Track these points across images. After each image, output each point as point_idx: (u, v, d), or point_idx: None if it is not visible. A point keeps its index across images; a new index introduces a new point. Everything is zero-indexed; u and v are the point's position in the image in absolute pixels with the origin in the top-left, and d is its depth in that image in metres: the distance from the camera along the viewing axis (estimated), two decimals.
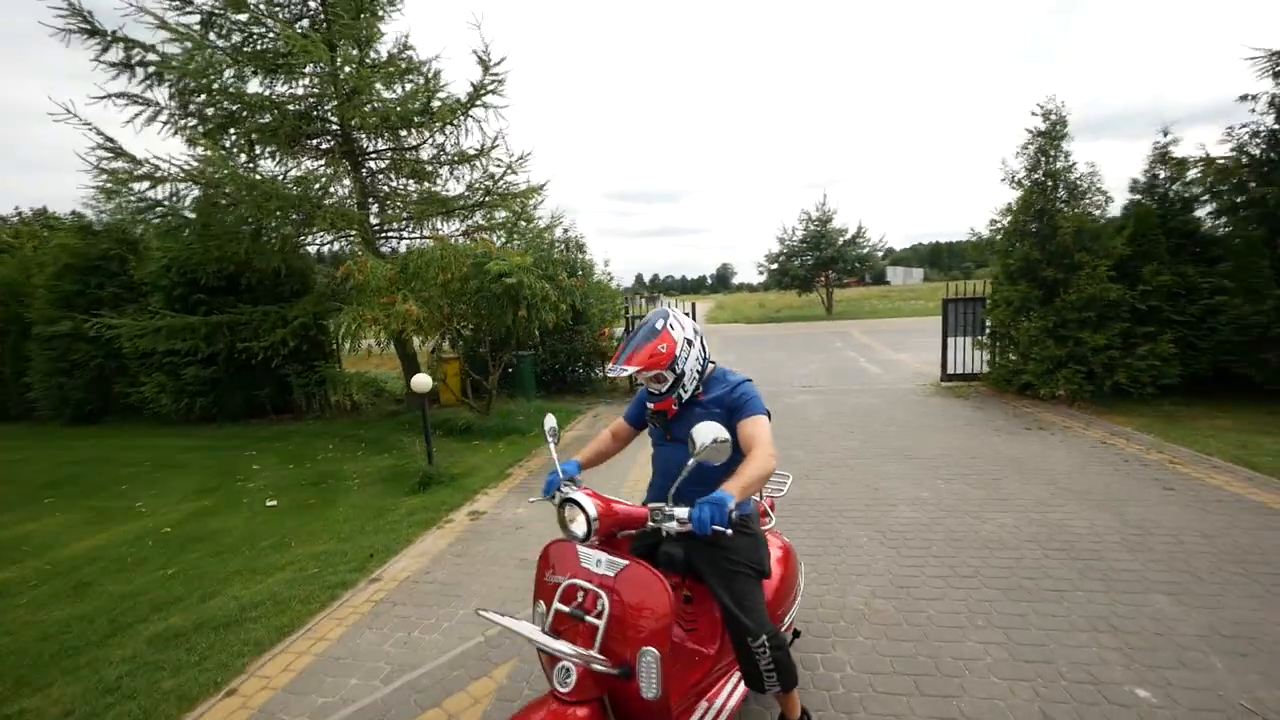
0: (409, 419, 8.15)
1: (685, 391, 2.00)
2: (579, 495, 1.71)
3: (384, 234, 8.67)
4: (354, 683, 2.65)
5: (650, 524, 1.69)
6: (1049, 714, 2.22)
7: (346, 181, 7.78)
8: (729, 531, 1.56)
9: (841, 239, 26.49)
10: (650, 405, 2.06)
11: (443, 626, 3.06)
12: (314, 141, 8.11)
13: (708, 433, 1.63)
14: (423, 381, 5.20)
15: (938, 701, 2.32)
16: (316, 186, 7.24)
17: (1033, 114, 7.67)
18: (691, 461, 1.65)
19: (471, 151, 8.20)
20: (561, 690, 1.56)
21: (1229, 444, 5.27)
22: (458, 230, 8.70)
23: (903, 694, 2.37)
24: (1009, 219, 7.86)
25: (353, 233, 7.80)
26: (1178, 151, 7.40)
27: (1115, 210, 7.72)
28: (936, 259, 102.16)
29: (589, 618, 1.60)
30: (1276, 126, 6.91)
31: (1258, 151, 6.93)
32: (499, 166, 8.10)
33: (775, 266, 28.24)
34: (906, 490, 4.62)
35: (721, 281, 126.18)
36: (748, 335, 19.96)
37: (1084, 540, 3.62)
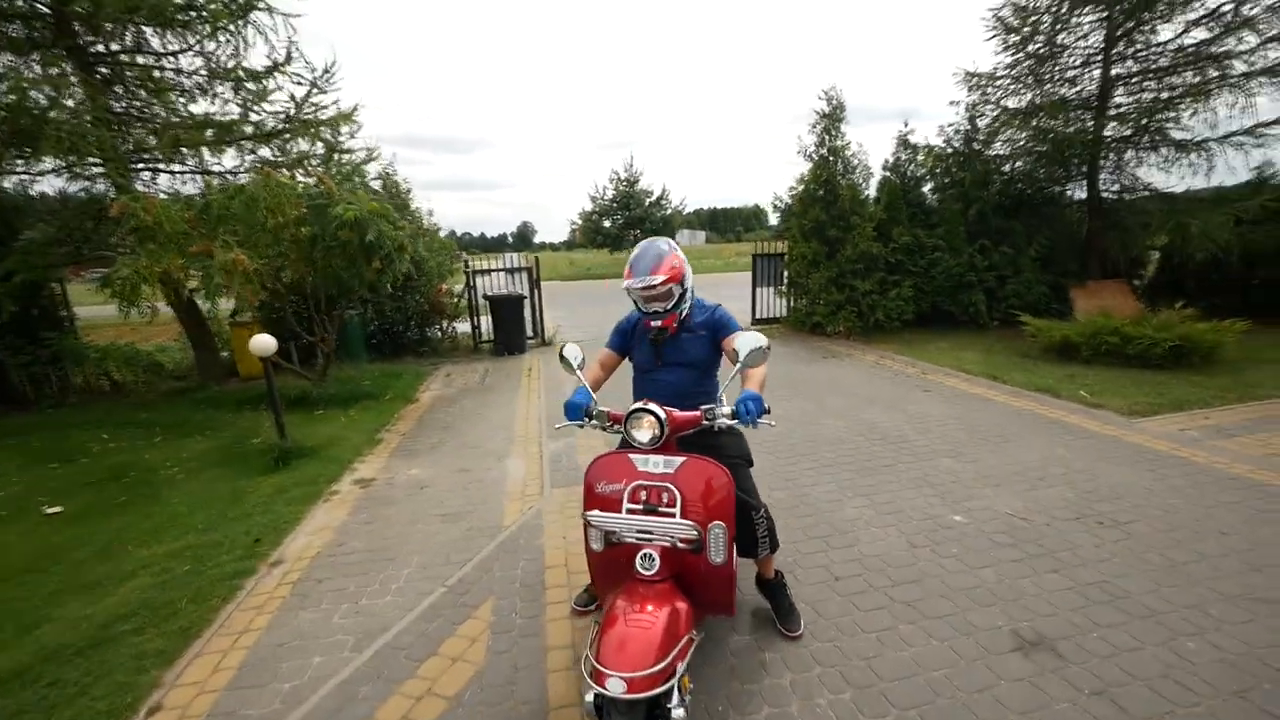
0: (208, 396, 6.73)
1: (685, 309, 2.26)
2: (652, 405, 1.90)
3: (141, 164, 6.77)
4: (318, 660, 2.44)
5: (705, 422, 1.97)
6: (913, 542, 3.13)
7: (79, 92, 5.83)
8: (772, 422, 1.93)
9: (648, 199, 28.10)
10: (654, 324, 2.24)
11: (392, 588, 2.92)
12: (8, 27, 5.87)
13: (749, 342, 1.96)
14: (265, 343, 4.44)
15: (845, 550, 3.09)
16: (35, 95, 5.32)
17: (819, 98, 9.22)
18: (737, 368, 1.97)
19: (257, 69, 6.77)
20: (646, 573, 1.80)
21: (949, 358, 7.38)
22: (242, 165, 7.20)
23: (820, 551, 3.08)
24: (803, 187, 9.42)
25: (96, 161, 5.94)
26: (914, 140, 9.63)
27: (874, 184, 9.80)
28: (714, 223, 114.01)
29: (662, 508, 1.85)
30: (968, 126, 9.47)
31: (959, 145, 9.44)
32: (300, 84, 6.85)
33: (585, 224, 28.81)
34: None
35: (523, 240, 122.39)
36: (572, 291, 20.22)
37: (890, 430, 4.88)
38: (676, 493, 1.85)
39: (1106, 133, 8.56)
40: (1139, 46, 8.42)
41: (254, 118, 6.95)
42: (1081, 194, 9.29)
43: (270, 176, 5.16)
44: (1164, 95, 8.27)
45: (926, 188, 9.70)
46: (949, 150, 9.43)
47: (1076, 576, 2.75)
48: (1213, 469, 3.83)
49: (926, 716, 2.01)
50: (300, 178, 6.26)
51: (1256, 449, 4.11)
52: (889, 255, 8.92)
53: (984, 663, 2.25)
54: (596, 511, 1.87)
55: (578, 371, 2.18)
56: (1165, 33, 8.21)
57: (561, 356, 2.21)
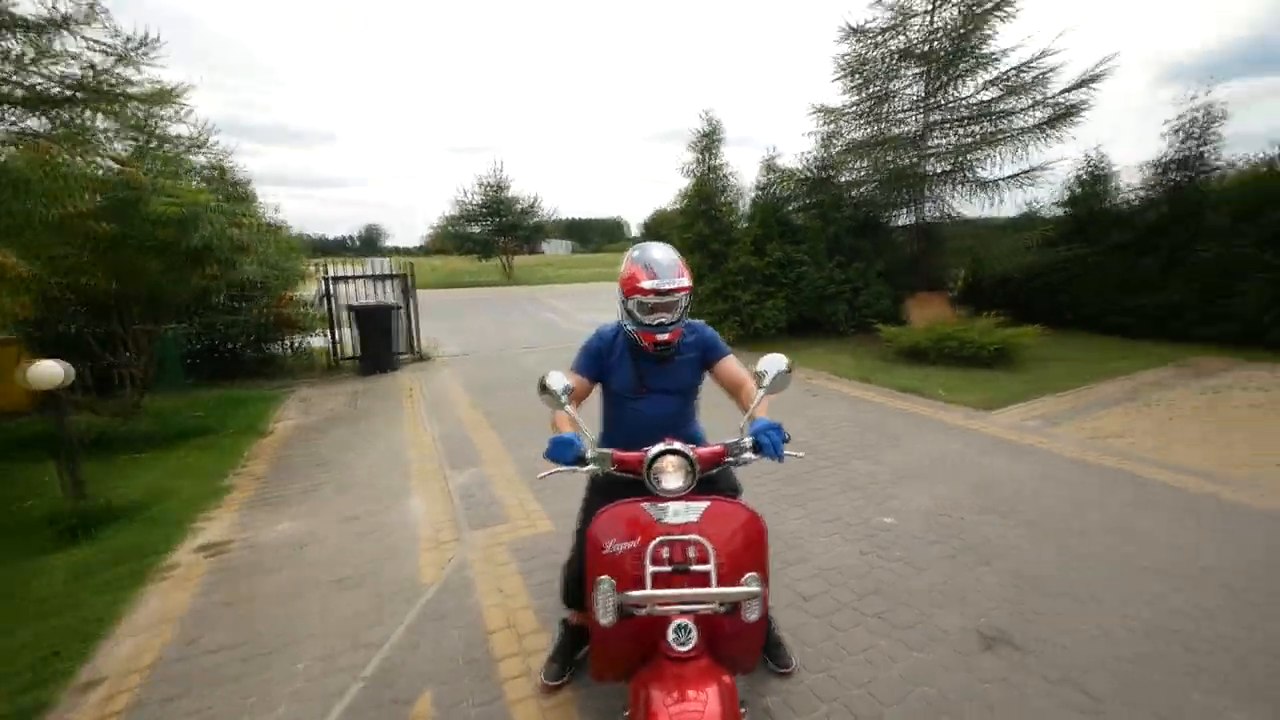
0: None
1: (684, 320, 1.99)
2: (677, 444, 1.62)
3: None
4: None
5: (728, 459, 1.74)
6: (860, 549, 3.20)
7: None
8: (801, 453, 1.77)
9: (518, 206, 27.18)
10: (661, 338, 1.91)
11: (284, 695, 2.24)
12: None
13: (776, 364, 1.77)
14: (49, 372, 3.30)
15: (802, 565, 3.05)
16: None
17: (699, 117, 9.56)
18: (761, 395, 1.77)
19: (30, 17, 5.15)
20: (683, 650, 1.51)
21: (826, 362, 8.00)
22: None
23: (781, 568, 3.01)
24: (685, 202, 9.68)
25: None
26: (780, 164, 10.39)
27: (744, 203, 10.38)
28: (573, 233, 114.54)
29: (695, 566, 1.58)
30: (822, 153, 10.48)
31: (816, 171, 10.39)
32: (103, 52, 5.35)
33: (447, 228, 27.10)
34: None
35: (369, 243, 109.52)
36: (446, 300, 18.65)
37: (797, 436, 5.05)
38: (707, 545, 1.59)
39: (929, 169, 10.02)
40: (950, 99, 10.00)
41: (29, 80, 5.25)
42: (912, 219, 10.76)
43: (46, 152, 3.89)
44: (966, 140, 9.91)
45: (791, 208, 10.53)
46: (809, 175, 10.35)
47: (1002, 568, 3.00)
48: (1059, 454, 4.52)
49: None
50: (101, 161, 4.84)
51: (1080, 434, 4.95)
52: (764, 269, 9.49)
53: (963, 667, 2.31)
54: (632, 592, 1.52)
55: (566, 406, 1.81)
56: (967, 89, 9.86)
57: (543, 387, 1.81)
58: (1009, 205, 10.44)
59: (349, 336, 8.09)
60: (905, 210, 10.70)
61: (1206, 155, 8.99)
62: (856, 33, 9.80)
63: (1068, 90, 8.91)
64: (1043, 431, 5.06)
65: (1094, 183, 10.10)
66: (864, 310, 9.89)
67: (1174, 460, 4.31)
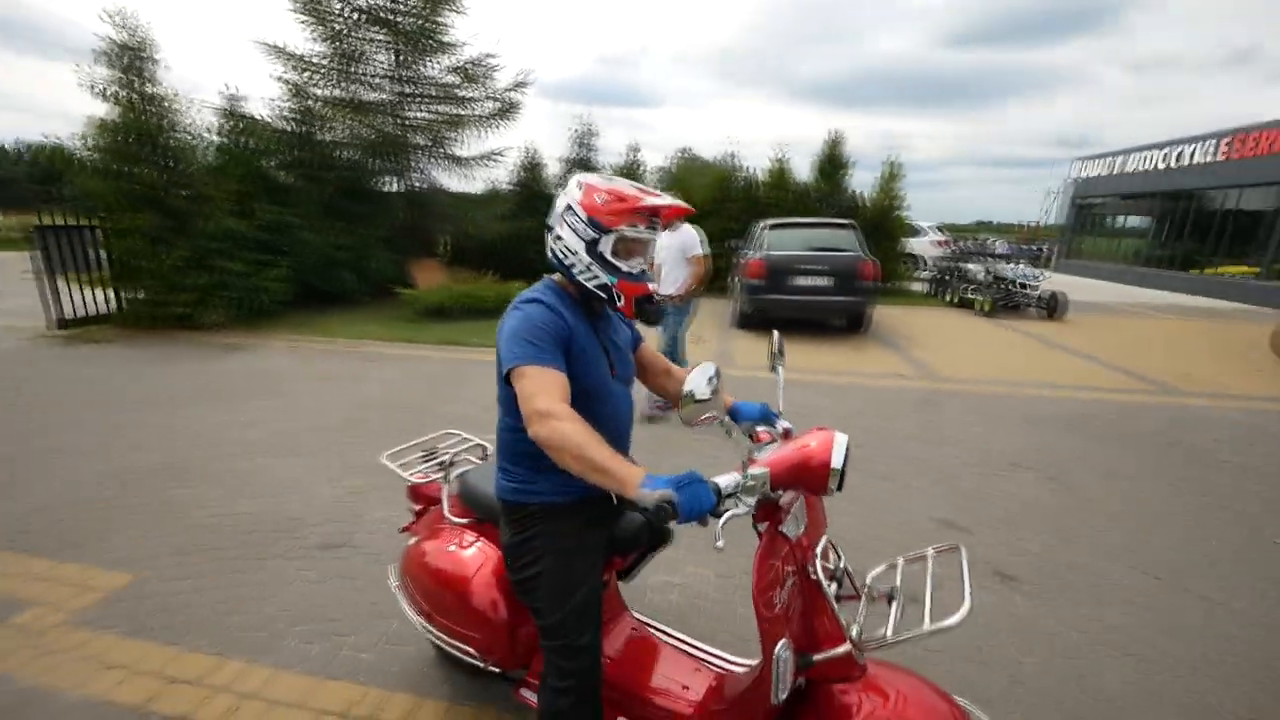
0: None
1: None
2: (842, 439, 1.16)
3: None
4: None
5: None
6: None
7: None
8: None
9: None
10: (650, 287, 1.38)
11: None
12: None
13: (778, 340, 1.57)
14: None
15: None
16: None
17: (101, 19, 6.92)
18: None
19: None
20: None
21: (355, 330, 7.84)
22: None
23: None
24: (107, 137, 7.03)
25: None
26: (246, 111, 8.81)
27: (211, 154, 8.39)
28: None
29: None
30: (295, 105, 9.53)
31: (295, 125, 9.39)
32: None
33: None
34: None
35: None
36: None
37: (392, 399, 5.13)
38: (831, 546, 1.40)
39: (411, 140, 10.73)
40: (419, 75, 10.83)
41: None
42: (402, 187, 11.30)
43: None
44: (439, 119, 11.12)
45: (273, 163, 9.22)
46: (288, 130, 9.27)
47: None
48: None
49: None
50: None
51: None
52: (253, 232, 8.15)
53: None
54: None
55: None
56: (434, 70, 10.92)
57: (691, 398, 1.12)
58: (479, 182, 12.38)
59: None
60: (396, 179, 11.13)
61: (590, 156, 13.24)
62: None
63: (508, 90, 11.24)
64: None
65: (532, 169, 13.21)
66: (376, 276, 9.94)
67: None
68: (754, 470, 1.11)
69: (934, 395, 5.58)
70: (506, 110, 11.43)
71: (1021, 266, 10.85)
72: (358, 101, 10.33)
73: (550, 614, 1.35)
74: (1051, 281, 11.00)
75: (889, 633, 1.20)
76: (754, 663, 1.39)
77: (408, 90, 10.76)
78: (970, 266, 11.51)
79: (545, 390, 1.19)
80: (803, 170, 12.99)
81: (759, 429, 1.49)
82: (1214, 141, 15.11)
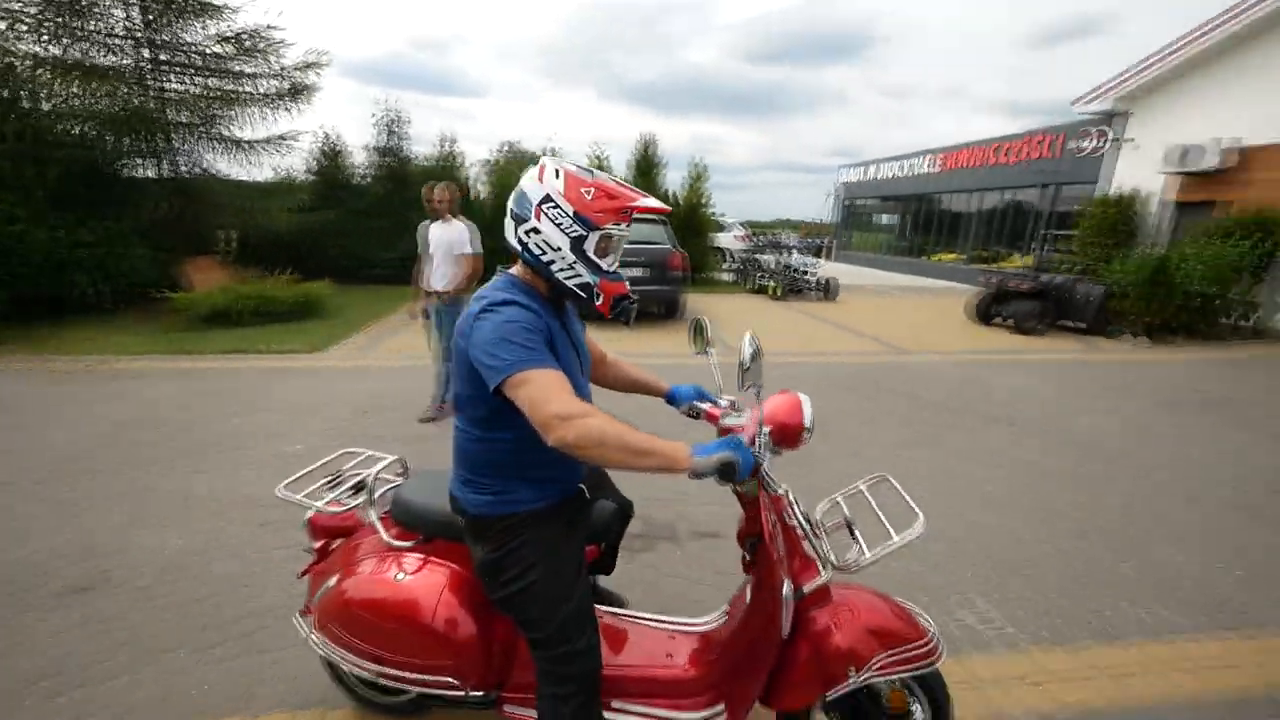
0: None
1: None
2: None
3: None
4: None
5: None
6: None
7: None
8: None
9: None
10: (626, 285, 1.36)
11: None
12: None
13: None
14: None
15: None
16: None
17: None
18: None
19: None
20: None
21: (110, 346, 6.52)
22: None
23: None
24: None
25: None
26: None
27: None
28: None
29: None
30: None
31: None
32: None
33: None
34: None
35: None
36: None
37: (134, 421, 4.42)
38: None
39: (171, 116, 9.09)
40: (177, 40, 9.19)
41: None
42: (163, 173, 9.51)
43: None
44: (207, 94, 9.58)
45: None
46: None
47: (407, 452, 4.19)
48: (387, 367, 6.07)
49: None
50: None
51: (391, 351, 6.68)
52: None
53: None
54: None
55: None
56: (196, 35, 9.33)
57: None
58: (266, 169, 10.87)
59: None
60: (153, 162, 9.35)
61: (402, 145, 12.37)
62: None
63: (297, 68, 10.07)
64: (369, 355, 6.51)
65: (334, 157, 12.00)
66: (128, 278, 8.26)
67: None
68: (766, 428, 1.35)
69: (734, 368, 6.43)
70: (297, 91, 10.25)
71: (803, 256, 12.78)
72: (88, 64, 8.44)
73: (546, 624, 1.30)
74: (826, 269, 13.12)
75: (866, 555, 1.35)
76: (713, 615, 1.67)
77: (162, 58, 9.08)
78: (764, 258, 13.19)
79: (555, 392, 1.12)
80: (620, 168, 13.69)
81: (703, 406, 1.64)
82: (932, 156, 19.19)
